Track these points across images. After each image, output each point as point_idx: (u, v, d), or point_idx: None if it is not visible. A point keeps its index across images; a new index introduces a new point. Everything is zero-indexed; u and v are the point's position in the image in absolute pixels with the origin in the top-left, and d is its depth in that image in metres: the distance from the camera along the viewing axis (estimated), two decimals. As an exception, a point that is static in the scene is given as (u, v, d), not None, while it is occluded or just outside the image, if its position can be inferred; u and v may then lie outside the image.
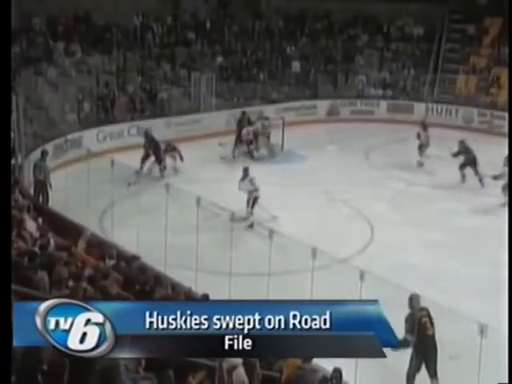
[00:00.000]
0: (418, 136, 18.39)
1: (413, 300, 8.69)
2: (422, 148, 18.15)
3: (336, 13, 26.03)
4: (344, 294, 9.97)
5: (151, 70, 22.32)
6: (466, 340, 8.05)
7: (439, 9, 25.26)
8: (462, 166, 16.99)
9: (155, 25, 23.69)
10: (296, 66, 24.38)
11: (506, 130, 21.94)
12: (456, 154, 17.25)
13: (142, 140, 17.47)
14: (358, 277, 8.36)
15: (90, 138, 18.18)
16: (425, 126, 18.58)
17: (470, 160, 16.93)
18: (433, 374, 8.76)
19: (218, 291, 9.68)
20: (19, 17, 20.74)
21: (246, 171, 14.76)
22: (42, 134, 17.23)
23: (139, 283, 8.80)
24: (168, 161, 17.07)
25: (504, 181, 15.64)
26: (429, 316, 8.57)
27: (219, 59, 23.55)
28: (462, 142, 17.35)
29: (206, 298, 9.06)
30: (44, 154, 14.59)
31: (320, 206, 15.52)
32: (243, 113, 19.64)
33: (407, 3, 25.13)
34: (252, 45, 24.77)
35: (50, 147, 16.26)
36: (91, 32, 22.34)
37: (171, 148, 17.21)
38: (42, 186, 14.20)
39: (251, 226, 13.74)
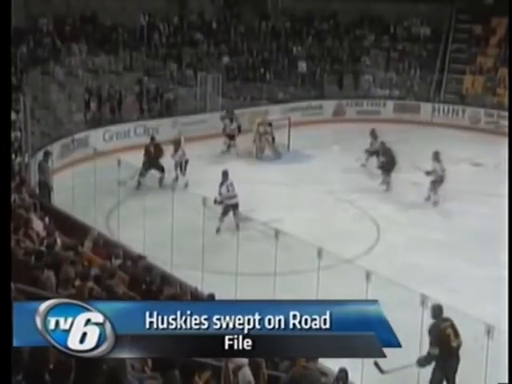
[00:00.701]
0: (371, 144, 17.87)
1: (435, 310, 8.31)
2: (373, 155, 17.60)
3: (342, 13, 26.02)
4: (350, 294, 9.99)
5: (158, 70, 22.37)
6: (472, 341, 8.02)
7: (446, 9, 25.22)
8: (380, 167, 16.87)
9: (162, 25, 23.75)
10: (302, 66, 24.38)
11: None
12: (371, 153, 17.45)
13: (147, 139, 17.38)
14: (363, 277, 8.35)
15: (97, 137, 18.23)
16: (375, 134, 18.07)
17: (387, 162, 16.66)
18: None
19: (224, 291, 9.70)
20: (26, 17, 20.86)
21: (225, 175, 13.77)
22: (49, 134, 17.30)
23: (145, 283, 8.82)
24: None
25: (433, 177, 15.51)
26: (453, 327, 8.23)
27: (225, 59, 23.58)
28: (382, 144, 17.16)
29: (211, 297, 9.08)
30: (47, 154, 14.58)
31: (326, 206, 15.51)
32: (227, 111, 19.70)
33: (414, 3, 25.09)
34: (258, 45, 24.79)
35: (56, 147, 16.34)
36: (98, 32, 22.43)
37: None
38: (44, 187, 14.22)
39: (218, 230, 13.23)
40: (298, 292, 10.46)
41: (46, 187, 14.21)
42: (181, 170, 16.70)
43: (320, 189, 16.51)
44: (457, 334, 8.23)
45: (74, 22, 22.33)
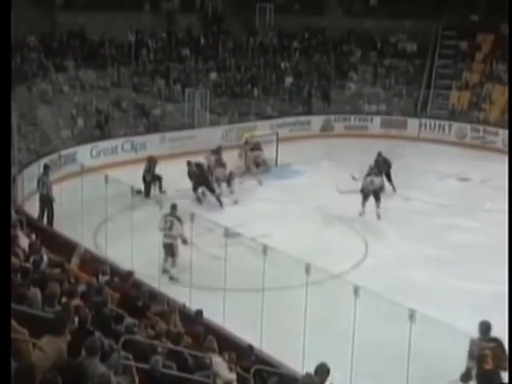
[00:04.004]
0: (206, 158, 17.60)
1: (481, 326, 8.01)
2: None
3: (330, 29, 26.21)
4: (338, 309, 9.99)
5: (145, 86, 22.37)
6: (463, 356, 7.99)
7: (432, 25, 25.48)
8: None
9: (149, 41, 23.79)
10: (290, 81, 24.48)
11: (498, 145, 22.12)
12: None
13: (135, 155, 17.47)
14: (352, 292, 8.32)
15: (84, 153, 18.16)
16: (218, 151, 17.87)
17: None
18: None
19: (212, 307, 9.66)
20: (13, 32, 20.76)
21: (173, 208, 12.44)
22: (36, 150, 17.21)
23: (133, 299, 8.74)
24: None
25: (360, 180, 15.71)
26: (495, 349, 7.80)
27: (213, 75, 23.63)
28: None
29: (200, 314, 9.02)
30: (46, 168, 14.68)
31: (314, 221, 15.50)
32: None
33: (400, 20, 25.32)
34: (246, 61, 24.89)
35: (43, 163, 16.23)
36: (85, 48, 22.41)
37: None
38: (45, 201, 14.28)
39: (171, 278, 11.95)
40: (287, 308, 10.43)
41: (47, 200, 14.27)
42: (228, 184, 16.99)
43: (308, 204, 16.51)
44: (496, 358, 7.76)
45: (62, 37, 22.32)
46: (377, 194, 15.44)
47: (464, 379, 7.97)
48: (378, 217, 15.28)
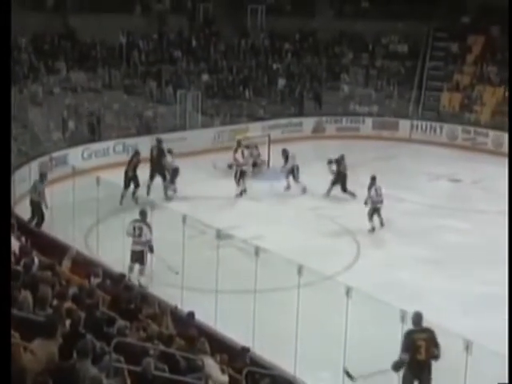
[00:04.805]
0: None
1: (414, 318, 8.22)
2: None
3: (321, 31, 26.26)
4: (331, 310, 10.00)
5: (137, 88, 22.33)
6: (453, 356, 8.02)
7: (423, 27, 25.56)
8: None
9: (141, 42, 23.75)
10: (282, 83, 24.50)
11: (489, 146, 22.23)
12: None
13: (127, 157, 17.43)
14: (344, 294, 8.33)
15: (76, 155, 18.10)
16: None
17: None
18: None
19: (204, 309, 9.65)
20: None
21: (142, 214, 11.95)
22: (27, 152, 17.14)
23: (125, 302, 8.72)
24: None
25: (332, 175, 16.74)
26: (427, 340, 8.07)
27: (205, 77, 23.62)
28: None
29: (191, 316, 9.01)
30: (42, 176, 14.66)
31: (306, 222, 15.51)
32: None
33: (392, 22, 25.39)
34: (238, 62, 24.88)
35: (35, 165, 16.19)
36: (76, 50, 22.35)
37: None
38: (36, 206, 14.26)
39: (140, 286, 11.27)
40: (279, 309, 10.43)
41: (38, 207, 14.25)
42: (293, 177, 17.50)
43: (300, 205, 16.53)
44: (429, 348, 8.08)
45: (53, 39, 22.26)
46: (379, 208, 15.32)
47: (396, 368, 8.15)
48: (382, 224, 15.18)
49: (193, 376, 6.75)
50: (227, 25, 25.88)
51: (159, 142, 17.35)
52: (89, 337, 6.05)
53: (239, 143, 18.44)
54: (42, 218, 14.22)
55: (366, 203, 15.21)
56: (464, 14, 25.83)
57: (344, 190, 17.14)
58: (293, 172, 17.67)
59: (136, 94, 22.08)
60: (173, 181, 16.84)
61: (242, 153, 18.05)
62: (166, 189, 16.75)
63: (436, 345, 8.14)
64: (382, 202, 15.25)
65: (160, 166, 16.81)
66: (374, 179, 15.43)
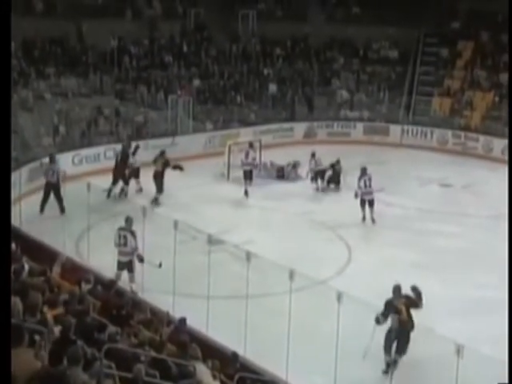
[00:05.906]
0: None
1: (395, 289, 9.63)
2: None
3: (313, 36, 26.33)
4: (322, 315, 10.00)
5: (128, 93, 22.29)
6: (443, 360, 8.03)
7: (414, 32, 25.66)
8: None
9: (132, 47, 23.72)
10: (273, 88, 24.53)
11: (479, 151, 22.33)
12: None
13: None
14: (335, 298, 8.33)
15: (66, 161, 18.02)
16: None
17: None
18: (400, 351, 9.47)
19: (196, 315, 9.62)
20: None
21: (127, 221, 11.68)
22: (17, 157, 17.05)
23: (116, 308, 8.68)
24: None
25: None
26: (406, 304, 9.46)
27: (196, 82, 23.61)
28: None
29: (183, 322, 8.98)
30: (52, 158, 15.74)
31: (298, 227, 15.51)
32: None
33: (383, 27, 25.49)
34: (229, 67, 24.89)
35: (25, 171, 16.11)
36: (67, 55, 22.29)
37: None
38: (53, 188, 15.01)
39: (133, 292, 10.99)
40: (271, 314, 10.42)
41: (55, 188, 15.04)
42: (322, 179, 18.22)
43: (291, 210, 16.53)
44: (409, 310, 9.44)
45: (43, 44, 22.19)
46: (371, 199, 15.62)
47: (377, 321, 9.41)
48: (373, 221, 15.55)
49: (184, 382, 6.72)
50: (218, 30, 25.90)
51: (125, 147, 17.66)
52: (79, 343, 6.02)
53: (251, 144, 18.74)
54: (60, 200, 14.78)
55: (356, 195, 15.33)
56: (454, 20, 25.98)
57: (337, 182, 18.23)
58: (323, 174, 18.24)
59: (127, 99, 22.04)
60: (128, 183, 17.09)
61: (247, 153, 18.15)
62: (155, 199, 16.67)
63: (416, 305, 9.57)
64: (371, 193, 15.34)
65: (123, 170, 17.11)
66: (364, 170, 15.58)
